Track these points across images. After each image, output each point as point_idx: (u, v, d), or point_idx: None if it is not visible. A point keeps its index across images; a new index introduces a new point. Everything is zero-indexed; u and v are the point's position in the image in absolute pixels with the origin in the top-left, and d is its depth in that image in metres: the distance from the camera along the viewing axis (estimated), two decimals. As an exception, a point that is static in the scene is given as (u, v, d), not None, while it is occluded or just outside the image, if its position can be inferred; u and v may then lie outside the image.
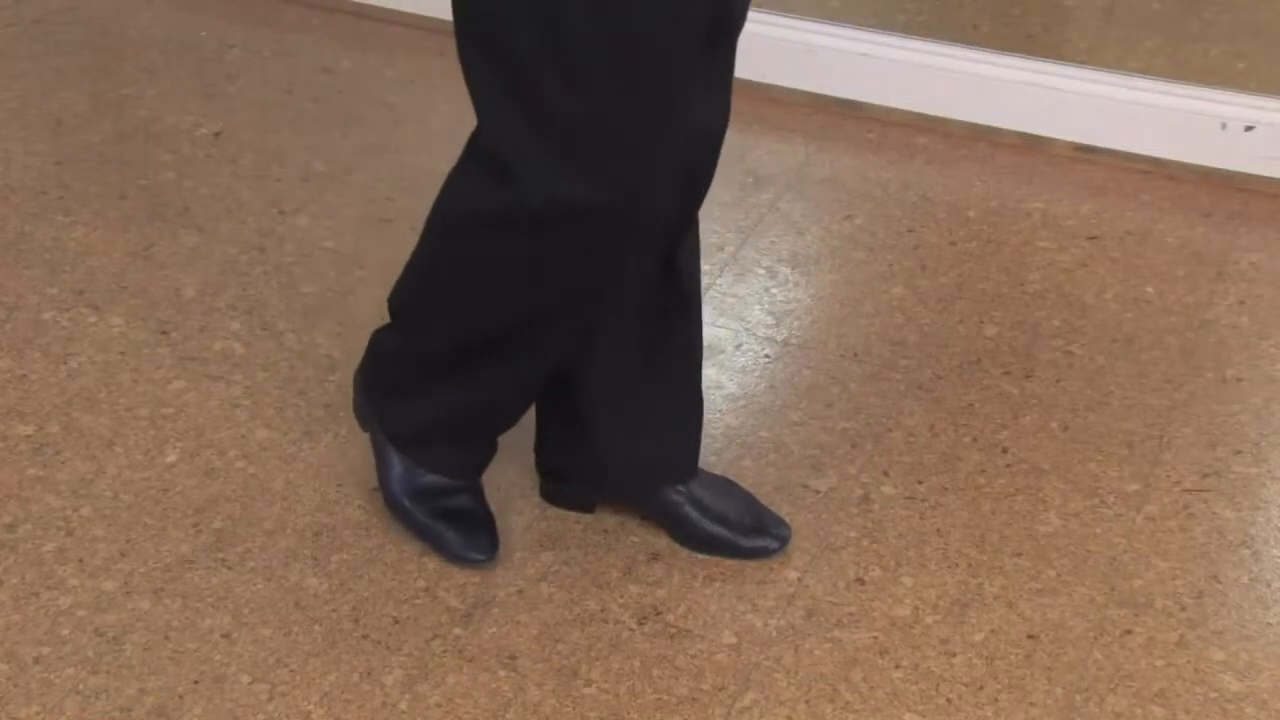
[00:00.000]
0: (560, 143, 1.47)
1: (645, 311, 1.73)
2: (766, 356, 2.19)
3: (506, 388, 1.76)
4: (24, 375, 2.11)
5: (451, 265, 1.66)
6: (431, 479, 1.83)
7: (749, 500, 1.88)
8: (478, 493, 1.86)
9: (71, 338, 2.18)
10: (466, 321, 1.69)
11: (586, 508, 1.91)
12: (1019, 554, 1.87)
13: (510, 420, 1.81)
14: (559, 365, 1.74)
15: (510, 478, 1.94)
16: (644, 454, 1.83)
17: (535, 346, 1.69)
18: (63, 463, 1.96)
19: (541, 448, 1.90)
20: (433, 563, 1.83)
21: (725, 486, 1.88)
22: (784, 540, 1.85)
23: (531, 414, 1.83)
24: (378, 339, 1.82)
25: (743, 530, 1.85)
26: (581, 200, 1.50)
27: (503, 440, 1.84)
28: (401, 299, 1.74)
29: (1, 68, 2.87)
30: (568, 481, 1.90)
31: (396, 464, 1.83)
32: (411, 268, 1.72)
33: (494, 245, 1.59)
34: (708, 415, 2.06)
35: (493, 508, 1.85)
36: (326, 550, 1.85)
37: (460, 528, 1.82)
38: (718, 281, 2.33)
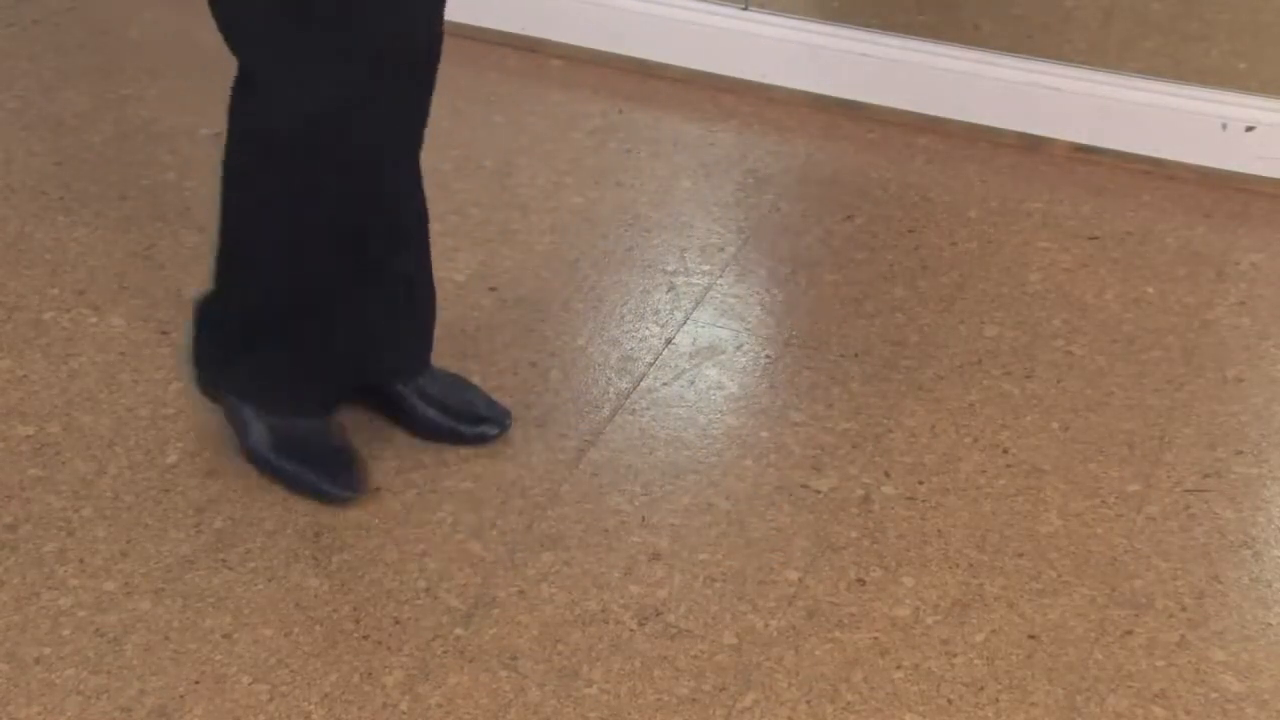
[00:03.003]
0: (290, 62, 1.61)
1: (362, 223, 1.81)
2: (767, 357, 2.19)
3: (336, 310, 1.83)
4: (25, 375, 2.11)
5: (242, 201, 1.75)
6: (290, 426, 1.89)
7: (474, 393, 2.01)
8: (339, 432, 1.93)
9: (72, 338, 2.18)
10: (276, 251, 1.77)
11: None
12: (1020, 554, 1.87)
13: (351, 346, 1.88)
14: (378, 282, 1.83)
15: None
16: (375, 348, 1.93)
17: (346, 262, 1.78)
18: (63, 463, 1.96)
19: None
20: (433, 563, 1.83)
21: (451, 380, 2.02)
22: (503, 425, 1.99)
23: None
24: (206, 307, 1.90)
25: (465, 419, 1.98)
26: (312, 112, 1.62)
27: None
28: (219, 256, 1.82)
29: (2, 68, 2.87)
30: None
31: (253, 420, 1.90)
32: (220, 226, 1.80)
33: (264, 165, 1.70)
34: (709, 415, 2.07)
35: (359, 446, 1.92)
36: (327, 550, 1.85)
37: (325, 468, 1.90)
38: (718, 282, 2.33)
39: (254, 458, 1.91)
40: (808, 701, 1.67)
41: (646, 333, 2.22)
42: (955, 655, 1.73)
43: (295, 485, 1.90)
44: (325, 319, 1.83)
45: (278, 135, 1.66)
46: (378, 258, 1.81)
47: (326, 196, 1.71)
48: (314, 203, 1.72)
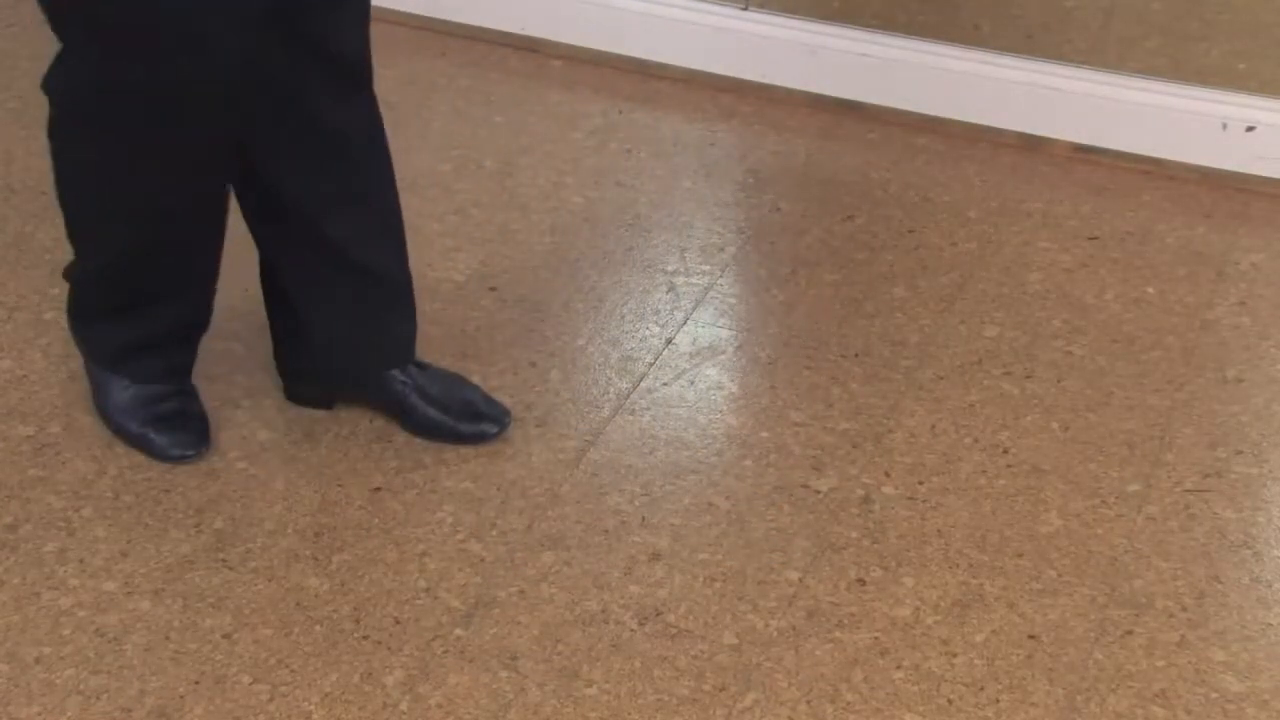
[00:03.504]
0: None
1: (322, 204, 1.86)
2: (768, 357, 2.19)
3: (177, 280, 1.92)
4: (25, 375, 2.11)
5: (68, 163, 1.81)
6: (140, 390, 1.96)
7: (474, 391, 2.03)
8: (189, 396, 2.00)
9: (73, 338, 2.18)
10: (111, 209, 1.82)
11: (326, 404, 2.05)
12: (1020, 554, 1.87)
13: (195, 316, 1.96)
14: (208, 253, 1.91)
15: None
16: (357, 341, 1.97)
17: (180, 232, 1.85)
18: (64, 463, 1.96)
19: (278, 351, 2.06)
20: (433, 563, 1.83)
21: (452, 379, 2.04)
22: (502, 424, 2.00)
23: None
24: (68, 271, 1.96)
25: (465, 418, 2.00)
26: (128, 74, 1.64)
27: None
28: (66, 222, 1.88)
29: (2, 68, 2.87)
30: (304, 381, 2.04)
31: (106, 382, 1.97)
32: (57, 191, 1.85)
33: (83, 128, 1.74)
34: (709, 415, 2.07)
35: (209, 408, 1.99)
36: (327, 550, 1.85)
37: (168, 430, 1.96)
38: (719, 282, 2.33)
39: (104, 417, 2.00)
40: (808, 701, 1.67)
41: (647, 333, 2.22)
42: (955, 655, 1.73)
43: (139, 446, 1.97)
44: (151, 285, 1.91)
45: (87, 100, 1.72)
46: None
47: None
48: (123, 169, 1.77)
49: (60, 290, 2.27)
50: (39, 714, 1.64)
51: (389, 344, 1.99)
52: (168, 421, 1.97)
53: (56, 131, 1.78)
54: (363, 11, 1.77)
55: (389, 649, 1.72)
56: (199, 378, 2.06)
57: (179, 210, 1.82)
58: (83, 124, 1.74)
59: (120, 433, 1.98)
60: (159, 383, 1.98)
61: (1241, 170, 2.58)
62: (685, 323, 2.24)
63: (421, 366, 2.01)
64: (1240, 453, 2.03)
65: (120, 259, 1.88)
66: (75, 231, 1.88)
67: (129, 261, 1.88)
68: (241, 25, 1.62)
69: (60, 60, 1.71)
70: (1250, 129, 2.56)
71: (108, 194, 1.80)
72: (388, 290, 1.96)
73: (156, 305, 1.93)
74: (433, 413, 1.99)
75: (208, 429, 1.99)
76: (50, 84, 1.73)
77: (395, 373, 1.99)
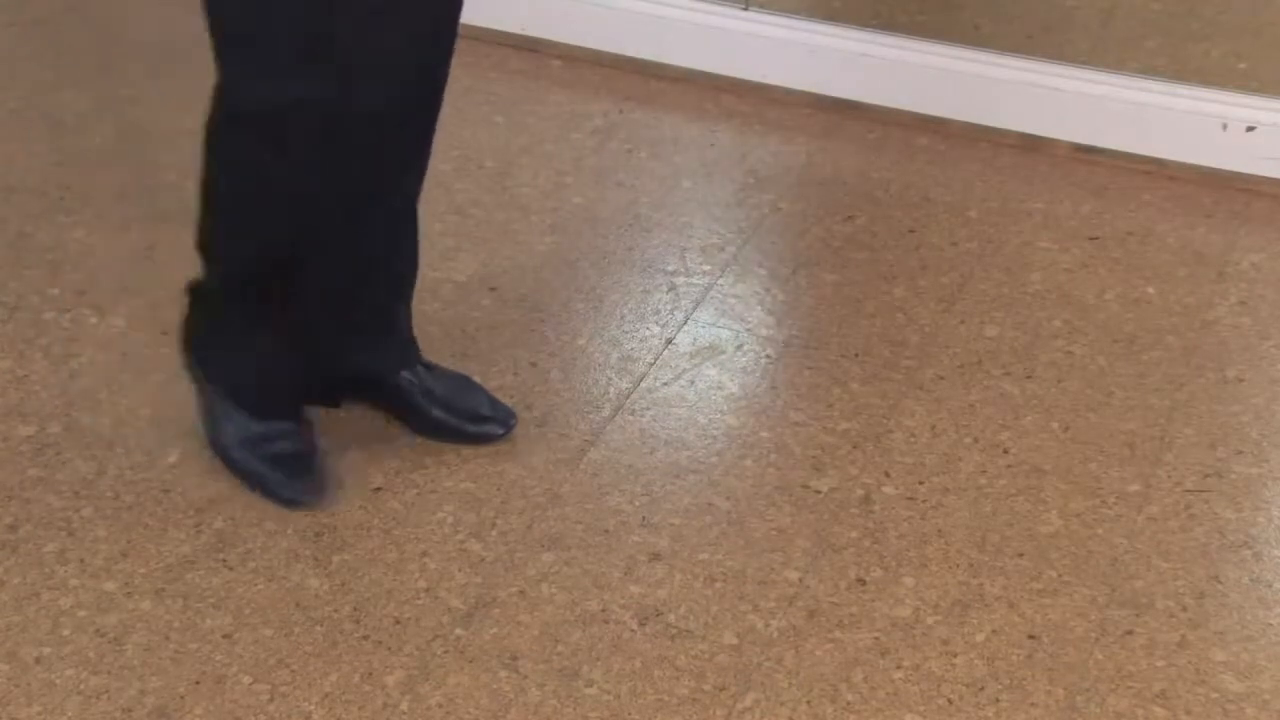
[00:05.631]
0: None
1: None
2: (768, 357, 2.19)
3: (309, 309, 1.85)
4: (25, 376, 2.11)
5: (224, 177, 1.75)
6: (259, 426, 1.90)
7: (480, 393, 2.02)
8: (306, 434, 1.95)
9: (73, 338, 2.18)
10: (257, 231, 1.78)
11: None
12: (1020, 554, 1.87)
13: (324, 349, 1.91)
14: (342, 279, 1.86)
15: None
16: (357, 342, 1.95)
17: (319, 257, 1.80)
18: (64, 463, 1.96)
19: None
20: (434, 563, 1.83)
21: (459, 380, 2.03)
22: (508, 425, 2.00)
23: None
24: (193, 288, 1.90)
25: (469, 418, 1.99)
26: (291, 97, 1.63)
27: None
28: (201, 233, 1.82)
29: (2, 68, 2.87)
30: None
31: (224, 414, 1.91)
32: (201, 200, 1.80)
33: (242, 147, 1.69)
34: (709, 415, 2.07)
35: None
36: (327, 550, 1.85)
37: (286, 471, 1.91)
38: (719, 282, 2.33)
39: (218, 449, 1.93)
40: (808, 701, 1.67)
41: (647, 333, 2.22)
42: (955, 655, 1.73)
43: (254, 484, 1.91)
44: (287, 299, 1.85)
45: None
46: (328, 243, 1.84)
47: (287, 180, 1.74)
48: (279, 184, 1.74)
49: (60, 289, 2.27)
50: (39, 714, 1.64)
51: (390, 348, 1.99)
52: (285, 462, 1.91)
53: (228, 133, 1.72)
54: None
55: (389, 649, 1.72)
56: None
57: (336, 211, 1.79)
58: (264, 139, 1.69)
59: (233, 466, 1.92)
60: (282, 418, 1.92)
61: (1242, 170, 2.58)
62: (685, 323, 2.24)
63: (428, 367, 2.01)
64: (1240, 453, 2.03)
65: (260, 275, 1.81)
66: (219, 235, 1.81)
67: (266, 275, 1.81)
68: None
69: (246, 74, 1.66)
70: (1250, 129, 2.56)
71: (272, 195, 1.74)
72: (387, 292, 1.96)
73: (281, 330, 1.87)
74: (438, 413, 1.99)
75: (325, 473, 1.92)
76: (240, 92, 1.67)
77: (404, 372, 1.99)
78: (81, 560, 1.82)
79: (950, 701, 1.68)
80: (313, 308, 1.89)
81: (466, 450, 1.99)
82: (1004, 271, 2.38)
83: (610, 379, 2.13)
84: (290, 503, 1.89)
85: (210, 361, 1.93)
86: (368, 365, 1.99)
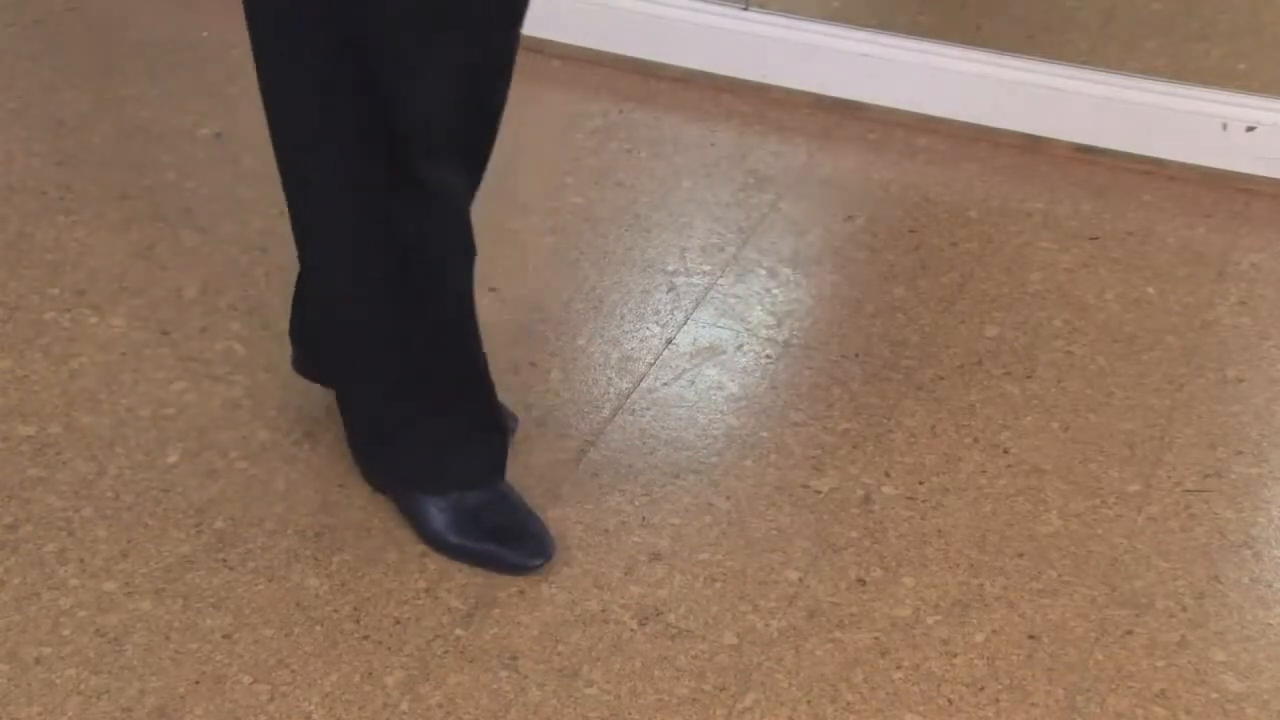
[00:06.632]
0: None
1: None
2: (768, 357, 2.19)
3: (455, 374, 1.83)
4: (25, 376, 2.11)
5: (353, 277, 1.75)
6: (463, 502, 1.82)
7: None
8: (512, 497, 1.86)
9: (73, 338, 2.18)
10: (394, 322, 1.78)
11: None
12: (1020, 554, 1.87)
13: (481, 399, 1.85)
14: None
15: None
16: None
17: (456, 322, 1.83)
18: (64, 463, 1.96)
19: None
20: (434, 563, 1.83)
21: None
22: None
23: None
24: (344, 400, 1.87)
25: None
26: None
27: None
28: (348, 344, 1.80)
29: (2, 68, 2.87)
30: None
31: (426, 505, 1.83)
32: (321, 305, 1.80)
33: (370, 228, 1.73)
34: (709, 415, 2.07)
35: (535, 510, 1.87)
36: (328, 550, 1.85)
37: (509, 541, 1.82)
38: (719, 282, 2.33)
39: (437, 546, 1.83)
40: (808, 701, 1.67)
41: (647, 333, 2.22)
42: (955, 655, 1.73)
43: (486, 564, 1.82)
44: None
45: None
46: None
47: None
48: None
49: (60, 289, 2.27)
50: (39, 714, 1.64)
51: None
52: (505, 533, 1.82)
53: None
54: None
55: (389, 649, 1.72)
56: (200, 378, 2.06)
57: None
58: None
59: (458, 555, 1.83)
60: (481, 484, 1.84)
61: (1242, 170, 2.58)
62: (685, 323, 2.24)
63: None
64: (1240, 453, 2.03)
65: (409, 361, 1.79)
66: (353, 346, 1.79)
67: (414, 353, 1.79)
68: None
69: None
70: (1250, 129, 2.56)
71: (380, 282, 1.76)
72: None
73: (450, 385, 1.83)
74: None
75: (543, 528, 1.84)
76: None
77: None
78: (81, 560, 1.82)
79: (950, 701, 1.68)
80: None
81: (466, 450, 1.99)
82: (1004, 271, 2.38)
83: (610, 379, 2.13)
84: (525, 569, 1.82)
85: (388, 458, 1.88)
86: None
